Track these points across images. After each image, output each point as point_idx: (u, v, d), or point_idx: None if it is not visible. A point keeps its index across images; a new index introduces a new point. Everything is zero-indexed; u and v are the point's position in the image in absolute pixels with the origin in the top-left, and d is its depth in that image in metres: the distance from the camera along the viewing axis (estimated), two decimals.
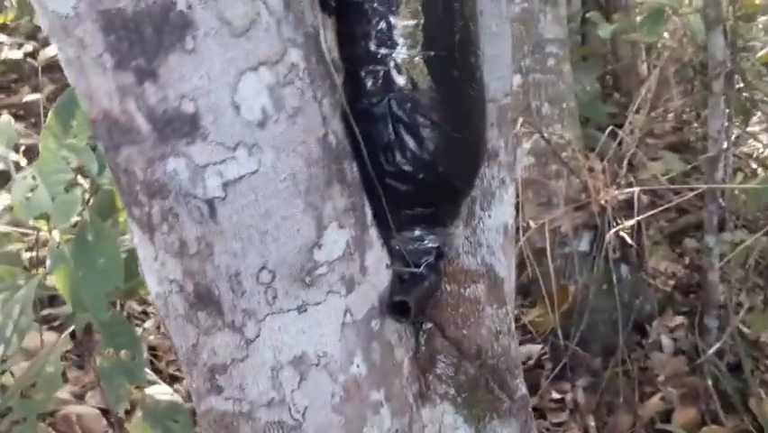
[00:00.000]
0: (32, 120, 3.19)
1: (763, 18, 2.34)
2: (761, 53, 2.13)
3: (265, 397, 0.70)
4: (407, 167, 0.72)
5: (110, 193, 1.44)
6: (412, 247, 0.79)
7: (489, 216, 0.93)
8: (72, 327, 1.56)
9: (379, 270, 0.79)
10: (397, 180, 0.73)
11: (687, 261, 3.16)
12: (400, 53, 0.69)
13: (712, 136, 2.26)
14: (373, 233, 0.78)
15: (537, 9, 2.41)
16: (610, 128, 2.48)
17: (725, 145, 2.44)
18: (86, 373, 2.27)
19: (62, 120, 1.43)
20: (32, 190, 1.26)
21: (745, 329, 2.39)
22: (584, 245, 2.56)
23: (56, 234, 1.36)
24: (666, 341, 2.55)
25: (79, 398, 2.18)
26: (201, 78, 0.59)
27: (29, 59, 3.26)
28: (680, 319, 2.61)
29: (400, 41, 0.69)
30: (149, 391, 1.48)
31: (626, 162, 2.80)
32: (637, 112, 3.12)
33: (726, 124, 2.40)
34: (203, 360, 0.70)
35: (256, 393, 0.70)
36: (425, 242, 0.79)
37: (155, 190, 0.64)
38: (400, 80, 0.70)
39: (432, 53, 0.70)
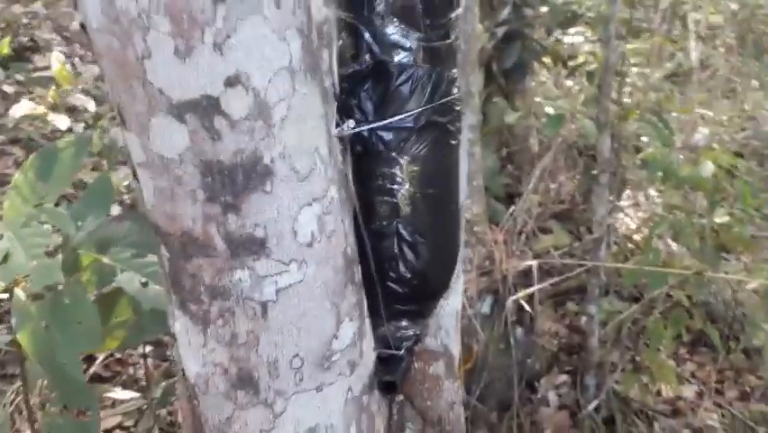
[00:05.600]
0: None
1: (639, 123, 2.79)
2: (641, 154, 2.55)
3: None
4: (407, 274, 0.91)
5: (75, 252, 1.51)
6: (398, 334, 0.98)
7: (447, 303, 1.14)
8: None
9: (369, 353, 0.97)
10: (397, 284, 0.92)
11: (568, 321, 3.55)
12: (406, 189, 0.90)
13: (597, 221, 2.64)
14: (367, 323, 0.97)
15: None
16: (512, 208, 2.82)
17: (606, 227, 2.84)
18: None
19: (32, 183, 1.50)
20: (7, 253, 1.31)
21: (617, 387, 2.75)
22: (486, 308, 2.84)
23: (19, 293, 1.41)
24: (552, 397, 2.87)
25: None
26: (273, 212, 0.76)
27: None
28: (564, 377, 2.95)
29: (407, 180, 0.89)
30: None
31: (522, 234, 3.16)
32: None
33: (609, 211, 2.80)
34: (234, 430, 0.85)
35: None
36: (409, 330, 0.98)
37: (218, 293, 0.79)
38: (406, 209, 0.90)
39: (429, 190, 0.91)
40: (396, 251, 0.90)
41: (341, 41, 0.87)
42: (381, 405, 1.02)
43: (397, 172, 0.88)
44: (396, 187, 0.89)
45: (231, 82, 0.68)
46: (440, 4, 0.83)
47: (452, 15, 0.85)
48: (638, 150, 3.46)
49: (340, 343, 0.88)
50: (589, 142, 3.71)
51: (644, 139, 3.26)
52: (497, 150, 4.26)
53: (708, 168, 2.36)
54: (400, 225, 0.90)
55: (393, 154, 0.88)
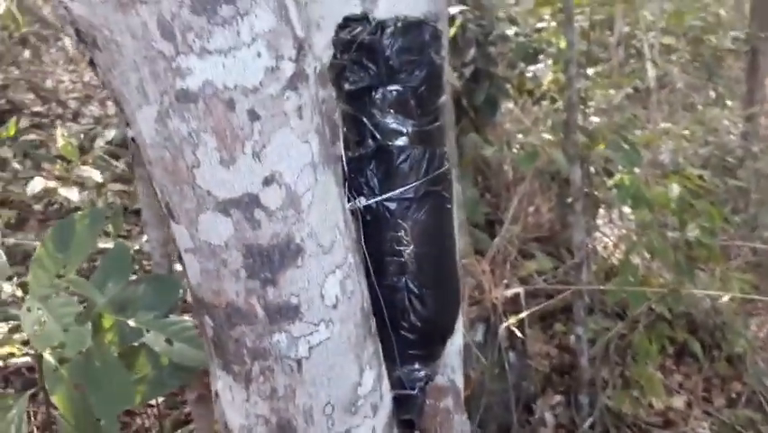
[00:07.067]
0: None
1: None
2: (611, 180, 2.73)
3: None
4: (417, 323, 1.05)
5: (99, 316, 1.63)
6: (411, 376, 1.11)
7: (452, 343, 1.27)
8: None
9: (388, 395, 1.10)
10: (409, 332, 1.06)
11: (557, 341, 3.69)
12: (412, 249, 1.04)
13: (576, 246, 2.81)
14: (383, 368, 1.10)
15: None
16: (496, 239, 2.99)
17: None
18: None
19: (53, 255, 1.62)
20: (40, 322, 1.42)
21: (609, 403, 2.88)
22: (479, 336, 2.98)
23: (48, 358, 1.52)
24: (549, 417, 3.00)
25: None
26: (304, 282, 0.89)
27: None
28: (558, 397, 3.09)
29: (411, 241, 1.04)
30: None
31: (506, 262, 3.31)
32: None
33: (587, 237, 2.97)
34: None
35: None
36: (421, 372, 1.12)
37: (259, 354, 0.91)
38: (412, 266, 1.04)
39: (431, 248, 1.05)
40: (406, 303, 1.04)
41: (345, 129, 1.02)
42: None
43: (403, 235, 1.03)
44: (402, 248, 1.03)
45: (267, 181, 0.82)
46: (428, 96, 0.98)
47: (439, 102, 1.01)
48: (608, 171, 3.66)
49: (363, 389, 1.01)
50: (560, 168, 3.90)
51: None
52: (474, 181, 4.45)
53: (675, 190, 2.54)
54: (409, 281, 1.04)
55: (398, 221, 1.02)
